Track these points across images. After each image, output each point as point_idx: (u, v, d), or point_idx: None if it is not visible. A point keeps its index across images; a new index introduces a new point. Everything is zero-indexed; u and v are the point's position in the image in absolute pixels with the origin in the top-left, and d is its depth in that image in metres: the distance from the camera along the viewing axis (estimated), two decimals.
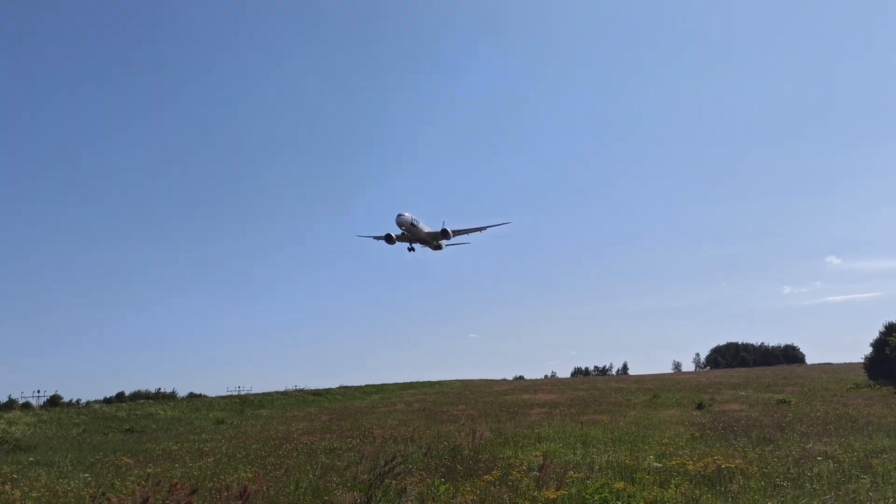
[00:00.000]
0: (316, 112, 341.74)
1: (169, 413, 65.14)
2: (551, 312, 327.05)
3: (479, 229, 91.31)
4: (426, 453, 26.60)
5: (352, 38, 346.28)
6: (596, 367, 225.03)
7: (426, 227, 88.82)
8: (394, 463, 18.90)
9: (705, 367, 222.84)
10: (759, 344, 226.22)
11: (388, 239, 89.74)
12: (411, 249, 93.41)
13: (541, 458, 21.41)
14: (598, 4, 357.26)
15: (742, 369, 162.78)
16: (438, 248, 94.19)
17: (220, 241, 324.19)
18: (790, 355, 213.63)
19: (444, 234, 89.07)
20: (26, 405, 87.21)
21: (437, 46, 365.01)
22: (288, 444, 33.77)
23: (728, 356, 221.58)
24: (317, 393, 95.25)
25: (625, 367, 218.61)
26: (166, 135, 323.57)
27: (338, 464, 25.32)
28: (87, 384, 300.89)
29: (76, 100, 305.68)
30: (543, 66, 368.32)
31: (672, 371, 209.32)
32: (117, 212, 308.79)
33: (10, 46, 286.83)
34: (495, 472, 20.53)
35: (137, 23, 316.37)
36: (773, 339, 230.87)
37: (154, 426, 53.47)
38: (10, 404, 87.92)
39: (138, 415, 62.56)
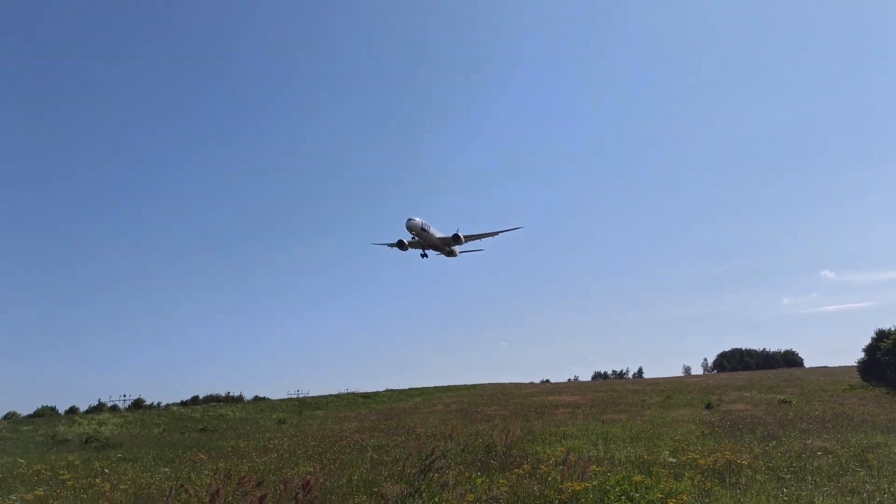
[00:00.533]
0: (356, 141, 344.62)
1: (237, 414, 65.62)
2: (573, 321, 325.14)
3: (492, 234, 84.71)
4: (464, 449, 26.50)
5: (390, 78, 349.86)
6: (614, 371, 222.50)
7: (438, 233, 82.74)
8: (435, 458, 18.88)
9: (713, 370, 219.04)
10: (761, 349, 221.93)
11: (401, 245, 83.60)
12: (424, 256, 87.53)
13: (566, 453, 21.22)
14: (607, 29, 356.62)
15: (746, 372, 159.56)
16: (452, 254, 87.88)
17: (280, 257, 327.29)
18: (790, 359, 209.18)
19: (456, 239, 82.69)
20: (114, 408, 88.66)
21: (465, 75, 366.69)
22: (342, 442, 33.86)
23: (733, 361, 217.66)
24: (366, 395, 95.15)
25: (640, 371, 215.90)
26: (235, 166, 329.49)
27: (386, 459, 25.33)
28: (167, 388, 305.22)
29: (164, 129, 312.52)
30: (561, 88, 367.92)
31: (682, 374, 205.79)
32: (192, 234, 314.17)
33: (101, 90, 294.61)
34: (526, 466, 20.42)
35: (202, 60, 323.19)
36: (774, 345, 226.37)
37: (224, 426, 53.89)
38: (101, 407, 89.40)
39: (211, 416, 63.12)
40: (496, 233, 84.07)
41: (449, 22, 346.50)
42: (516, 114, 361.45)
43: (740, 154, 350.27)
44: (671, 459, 21.66)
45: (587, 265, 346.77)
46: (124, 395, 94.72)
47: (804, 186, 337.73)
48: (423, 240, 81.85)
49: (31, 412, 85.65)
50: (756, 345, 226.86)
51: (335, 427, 46.34)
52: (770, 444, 24.93)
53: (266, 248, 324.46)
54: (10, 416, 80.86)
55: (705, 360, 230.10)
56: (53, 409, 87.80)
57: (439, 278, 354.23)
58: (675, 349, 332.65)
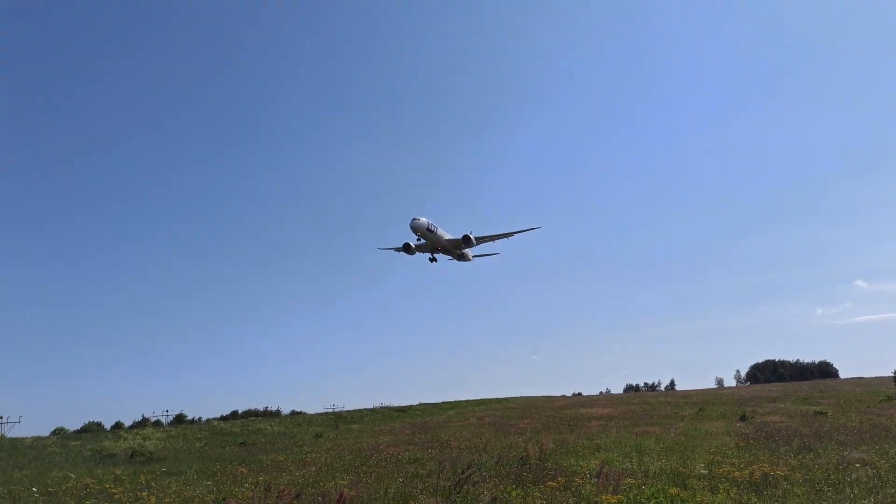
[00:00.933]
0: (392, 156, 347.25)
1: (275, 428, 65.93)
2: (604, 334, 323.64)
3: (506, 235, 78.36)
4: (497, 462, 26.31)
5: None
6: (646, 383, 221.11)
7: (446, 234, 76.73)
8: (470, 471, 18.75)
9: (746, 382, 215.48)
10: (794, 360, 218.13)
11: (407, 249, 78.79)
12: (433, 260, 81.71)
13: (600, 466, 20.92)
14: (646, 47, 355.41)
15: (780, 384, 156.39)
16: (463, 257, 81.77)
17: (315, 273, 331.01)
18: (824, 370, 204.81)
19: (467, 240, 76.76)
20: (157, 423, 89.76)
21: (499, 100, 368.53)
22: (377, 455, 33.78)
23: (766, 372, 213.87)
24: (400, 409, 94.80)
25: (672, 384, 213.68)
26: (270, 184, 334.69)
27: (421, 472, 25.21)
28: (207, 403, 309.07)
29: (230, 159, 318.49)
30: (598, 102, 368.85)
31: (715, 386, 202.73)
32: (230, 254, 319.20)
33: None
34: (560, 479, 20.17)
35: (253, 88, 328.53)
36: (808, 356, 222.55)
37: (263, 440, 54.14)
38: (144, 422, 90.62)
39: (250, 430, 63.48)
40: (511, 234, 78.66)
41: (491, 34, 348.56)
42: (549, 127, 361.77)
43: (772, 166, 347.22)
44: (706, 472, 21.23)
45: (618, 278, 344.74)
46: (167, 411, 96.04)
47: (837, 196, 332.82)
48: (430, 241, 76.80)
49: (79, 427, 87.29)
50: (789, 356, 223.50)
51: (371, 440, 46.29)
52: (807, 456, 24.31)
53: (302, 265, 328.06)
54: (59, 432, 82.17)
55: (738, 371, 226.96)
56: (99, 425, 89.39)
57: (471, 293, 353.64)
58: (707, 361, 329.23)
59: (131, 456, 41.20)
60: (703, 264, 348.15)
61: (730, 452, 26.96)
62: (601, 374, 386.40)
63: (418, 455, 32.57)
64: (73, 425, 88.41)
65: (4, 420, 71.50)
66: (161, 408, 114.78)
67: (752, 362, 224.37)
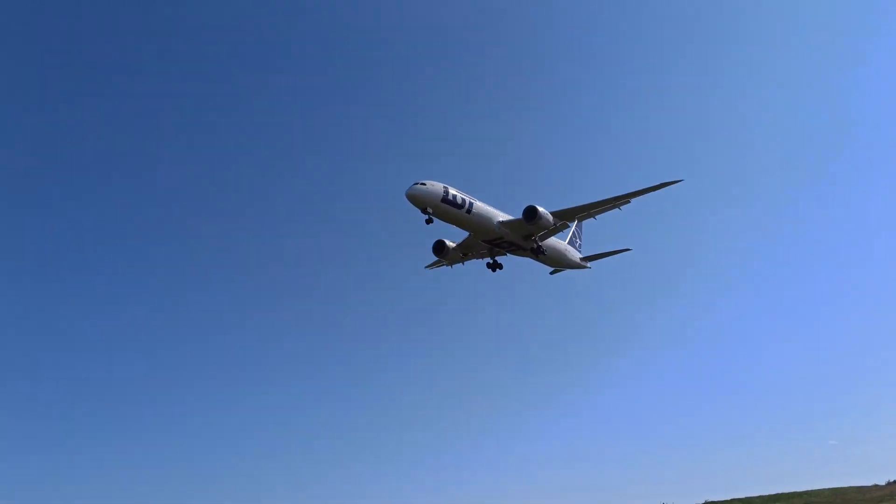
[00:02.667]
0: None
1: None
2: None
3: (618, 202, 48.57)
4: None
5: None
6: None
7: (498, 213, 47.33)
8: None
9: None
10: None
11: (439, 249, 52.01)
12: (494, 266, 52.57)
13: None
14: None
15: None
16: (542, 253, 51.13)
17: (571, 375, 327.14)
18: None
19: (531, 216, 46.02)
20: None
21: None
22: None
23: None
24: None
25: None
26: None
27: None
28: None
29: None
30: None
31: None
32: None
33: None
34: None
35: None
36: None
37: None
38: None
39: None
40: (626, 198, 49.89)
41: None
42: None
43: None
44: None
45: None
46: None
47: None
48: (470, 230, 47.96)
49: None
50: None
51: None
52: None
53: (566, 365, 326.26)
54: None
55: None
56: None
57: (735, 372, 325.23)
58: None
59: None
60: None
61: None
62: None
63: None
64: None
65: None
66: None
67: None
